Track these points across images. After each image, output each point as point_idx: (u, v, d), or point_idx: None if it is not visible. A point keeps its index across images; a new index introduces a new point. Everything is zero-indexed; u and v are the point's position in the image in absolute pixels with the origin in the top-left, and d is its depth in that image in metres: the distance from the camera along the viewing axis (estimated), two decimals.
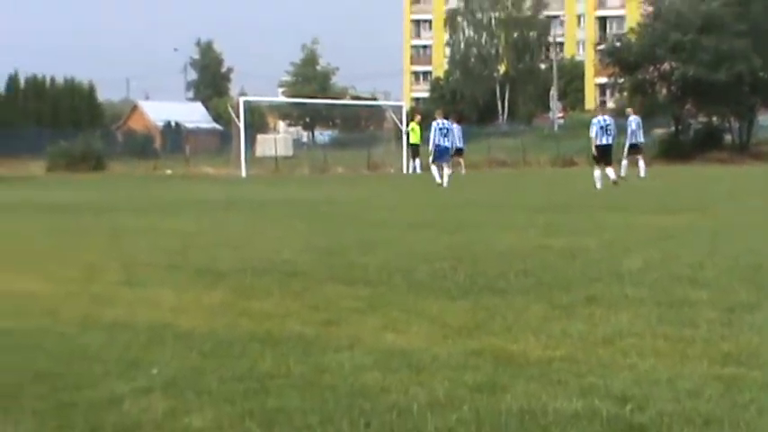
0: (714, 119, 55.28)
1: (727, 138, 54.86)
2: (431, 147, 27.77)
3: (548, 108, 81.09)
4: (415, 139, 37.17)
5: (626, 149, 30.37)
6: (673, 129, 54.57)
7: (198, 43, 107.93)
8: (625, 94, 56.95)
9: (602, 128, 24.63)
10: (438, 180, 26.51)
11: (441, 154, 27.45)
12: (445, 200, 19.99)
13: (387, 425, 3.82)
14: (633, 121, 31.31)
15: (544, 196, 20.33)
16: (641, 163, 30.69)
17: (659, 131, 57.27)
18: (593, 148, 24.54)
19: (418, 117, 39.70)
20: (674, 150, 50.94)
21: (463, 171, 33.71)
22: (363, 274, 8.24)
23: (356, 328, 5.86)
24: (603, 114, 26.15)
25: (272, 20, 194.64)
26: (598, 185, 23.17)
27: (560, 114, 78.88)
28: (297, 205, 19.47)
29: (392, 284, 7.66)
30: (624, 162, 30.00)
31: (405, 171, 41.47)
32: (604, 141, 24.59)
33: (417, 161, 37.26)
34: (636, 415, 3.90)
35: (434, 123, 28.27)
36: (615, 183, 23.71)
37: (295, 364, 4.90)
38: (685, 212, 15.30)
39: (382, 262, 9.11)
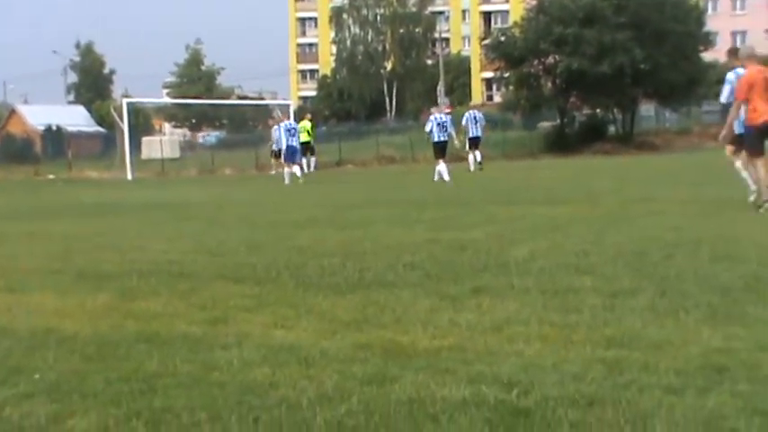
0: (598, 111, 56.39)
1: (612, 129, 56.03)
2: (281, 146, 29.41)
3: (435, 104, 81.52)
4: (306, 137, 37.16)
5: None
6: (558, 122, 55.51)
7: (78, 45, 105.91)
8: (511, 87, 57.70)
9: (438, 124, 26.42)
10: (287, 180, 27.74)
11: (291, 154, 28.79)
12: (334, 199, 19.99)
13: (276, 420, 3.80)
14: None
15: (432, 192, 20.46)
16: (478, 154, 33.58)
17: (545, 124, 58.27)
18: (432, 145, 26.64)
19: (308, 115, 39.88)
20: (560, 143, 51.86)
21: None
22: (251, 273, 8.20)
23: (244, 326, 5.82)
24: (440, 112, 27.98)
25: (154, 20, 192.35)
26: (446, 177, 24.50)
27: (448, 110, 79.54)
28: (184, 207, 19.26)
29: (280, 282, 7.64)
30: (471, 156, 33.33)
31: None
32: (441, 138, 26.43)
33: (312, 159, 37.42)
34: (522, 399, 3.95)
35: (282, 125, 30.07)
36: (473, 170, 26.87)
37: (182, 362, 4.84)
38: (571, 203, 15.57)
39: (270, 260, 9.06)
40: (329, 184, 28.90)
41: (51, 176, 43.54)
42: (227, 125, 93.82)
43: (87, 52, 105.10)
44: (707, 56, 57.22)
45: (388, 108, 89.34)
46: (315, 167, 37.23)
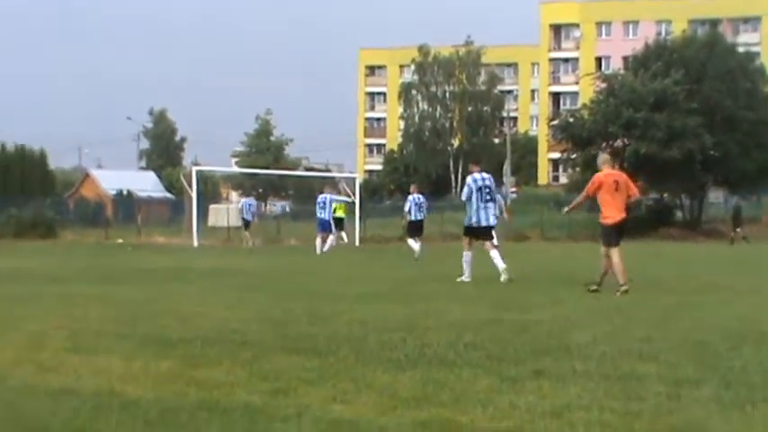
0: (665, 195, 56.01)
1: (678, 215, 55.58)
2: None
3: (501, 183, 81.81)
4: (341, 213, 38.31)
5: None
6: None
7: (151, 112, 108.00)
8: (578, 169, 57.62)
9: (415, 204, 27.55)
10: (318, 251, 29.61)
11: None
12: (397, 273, 20.02)
13: None
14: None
15: (497, 270, 20.36)
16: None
17: None
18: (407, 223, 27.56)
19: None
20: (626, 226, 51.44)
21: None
22: (313, 345, 8.22)
23: (304, 398, 5.83)
24: (417, 193, 28.45)
25: (227, 91, 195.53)
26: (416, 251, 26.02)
27: (513, 189, 79.58)
28: (248, 276, 19.40)
29: (341, 355, 7.65)
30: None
31: (357, 244, 41.67)
32: (418, 217, 27.68)
33: (343, 234, 38.28)
34: None
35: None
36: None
37: None
38: (636, 287, 15.43)
39: (332, 332, 9.09)
40: (392, 258, 28.93)
41: (120, 240, 44.14)
42: (293, 195, 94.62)
43: (160, 119, 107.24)
44: None
45: (453, 185, 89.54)
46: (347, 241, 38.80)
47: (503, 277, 16.98)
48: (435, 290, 15.04)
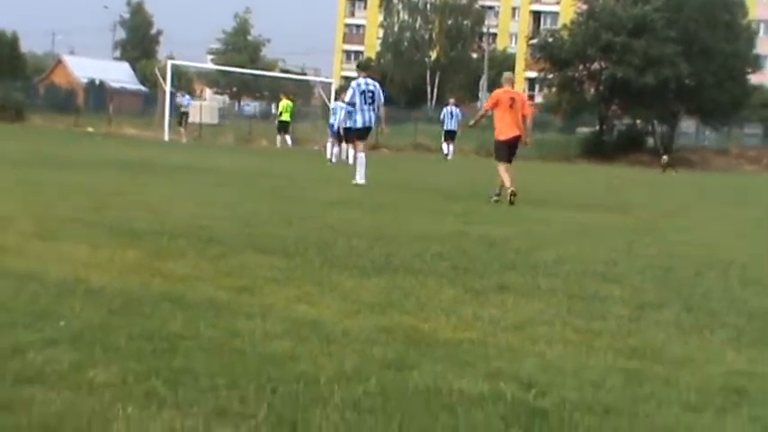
0: (638, 121, 56.12)
1: (650, 141, 55.75)
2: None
3: (476, 97, 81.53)
4: (286, 117, 38.95)
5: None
6: (597, 128, 55.29)
7: (128, 2, 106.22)
8: (553, 89, 57.55)
9: (450, 114, 28.25)
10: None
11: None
12: (369, 181, 19.99)
13: (293, 393, 3.81)
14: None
15: (465, 184, 20.45)
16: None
17: (584, 130, 58.06)
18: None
19: (285, 95, 41.69)
20: (597, 149, 51.65)
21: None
22: (280, 246, 8.22)
23: (269, 297, 5.84)
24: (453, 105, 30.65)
25: None
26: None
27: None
28: (218, 174, 19.32)
29: (308, 257, 7.65)
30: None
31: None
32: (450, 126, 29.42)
33: (288, 137, 39.54)
34: (539, 400, 3.94)
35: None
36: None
37: (205, 327, 4.87)
38: (605, 211, 15.53)
39: (300, 235, 9.09)
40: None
41: (90, 129, 43.79)
42: (268, 97, 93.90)
43: (137, 10, 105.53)
44: (754, 78, 56.82)
45: (428, 97, 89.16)
46: (292, 144, 39.48)
47: (355, 181, 18.20)
48: (404, 199, 15.06)
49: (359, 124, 18.91)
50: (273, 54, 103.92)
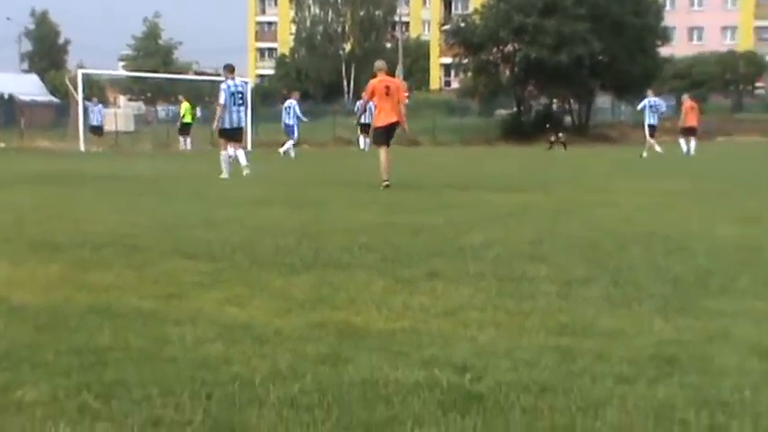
0: (555, 101, 56.70)
1: (567, 120, 56.37)
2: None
3: None
4: (188, 119, 39.04)
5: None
6: (515, 110, 55.73)
7: (32, 13, 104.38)
8: (469, 74, 57.87)
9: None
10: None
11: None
12: (290, 178, 19.96)
13: (229, 396, 3.79)
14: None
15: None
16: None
17: (502, 112, 58.50)
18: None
19: (183, 97, 41.56)
20: (516, 131, 52.09)
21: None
22: (206, 249, 8.15)
23: (198, 302, 5.78)
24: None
25: None
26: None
27: (405, 94, 79.44)
28: (138, 181, 19.10)
29: (235, 259, 7.60)
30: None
31: (248, 148, 41.36)
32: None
33: (188, 139, 39.99)
34: (474, 384, 3.96)
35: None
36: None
37: (134, 336, 4.80)
38: (526, 192, 15.65)
39: (226, 237, 9.03)
40: (284, 163, 28.81)
41: (2, 145, 42.98)
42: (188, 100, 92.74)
43: (42, 20, 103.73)
44: (663, 51, 57.71)
45: (345, 90, 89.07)
46: (191, 147, 39.75)
47: (245, 172, 19.29)
48: (328, 194, 15.03)
49: (227, 125, 19.66)
50: (186, 57, 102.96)
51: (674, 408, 3.65)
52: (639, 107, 34.50)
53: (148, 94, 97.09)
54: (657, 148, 31.78)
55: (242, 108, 19.78)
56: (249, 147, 41.77)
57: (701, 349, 4.57)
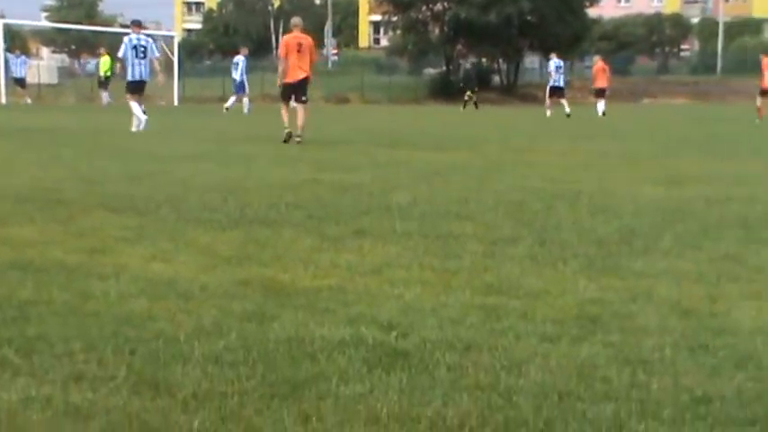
0: (484, 60, 56.82)
1: (496, 79, 56.56)
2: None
3: (322, 44, 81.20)
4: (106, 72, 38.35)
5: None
6: (444, 69, 55.76)
7: None
8: (398, 32, 57.71)
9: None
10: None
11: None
12: (218, 134, 19.79)
13: (153, 352, 3.75)
14: None
15: (317, 132, 20.39)
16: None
17: (431, 71, 58.49)
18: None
19: (104, 50, 40.46)
20: (444, 90, 52.16)
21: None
22: (131, 204, 8.06)
23: (123, 257, 5.72)
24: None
25: None
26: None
27: (334, 51, 79.16)
28: (61, 134, 18.80)
29: (161, 215, 7.52)
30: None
31: (176, 104, 40.91)
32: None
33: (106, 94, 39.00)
34: (400, 341, 3.97)
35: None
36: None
37: (57, 291, 4.74)
38: (455, 150, 15.70)
39: (151, 192, 8.93)
40: (212, 118, 28.55)
41: None
42: (109, 54, 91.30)
43: None
44: (592, 12, 58.06)
45: (274, 45, 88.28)
46: (108, 101, 38.77)
47: (142, 126, 19.61)
48: (255, 151, 14.94)
49: (130, 77, 20.01)
50: (111, 9, 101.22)
51: (596, 366, 3.69)
52: (549, 70, 34.85)
53: (72, 47, 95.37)
54: (548, 113, 32.35)
55: (143, 62, 19.92)
56: (176, 102, 41.42)
57: (623, 308, 4.63)
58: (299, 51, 17.16)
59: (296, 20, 18.03)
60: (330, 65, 70.59)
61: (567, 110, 32.08)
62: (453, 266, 5.60)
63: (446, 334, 4.09)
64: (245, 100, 32.47)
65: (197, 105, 42.58)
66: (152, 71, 20.31)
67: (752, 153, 15.65)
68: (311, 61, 17.49)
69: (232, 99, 32.81)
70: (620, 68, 66.89)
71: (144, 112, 20.09)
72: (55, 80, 57.22)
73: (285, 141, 16.76)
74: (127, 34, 20.68)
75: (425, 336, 4.05)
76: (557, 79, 33.56)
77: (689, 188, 10.14)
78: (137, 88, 20.17)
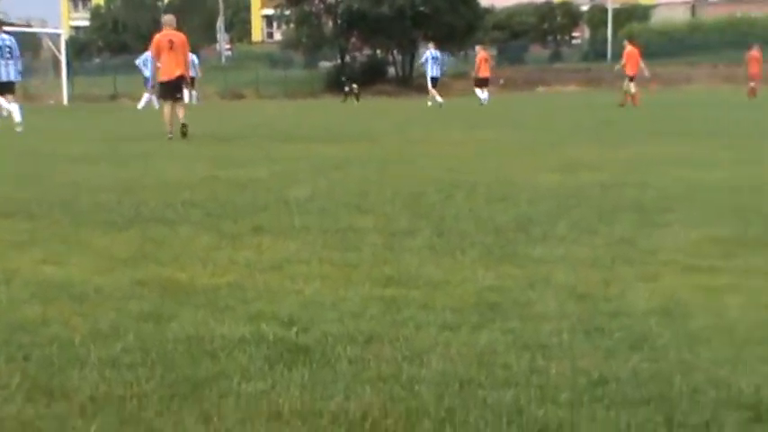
0: (378, 52, 56.91)
1: (392, 71, 56.69)
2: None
3: (214, 40, 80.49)
4: None
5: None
6: (339, 62, 55.74)
7: None
8: (292, 25, 57.49)
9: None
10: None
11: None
12: (110, 133, 19.49)
13: (48, 357, 3.67)
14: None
15: (214, 128, 20.23)
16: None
17: (326, 64, 58.41)
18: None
19: None
20: (340, 83, 52.04)
21: None
22: (21, 207, 7.88)
23: (13, 262, 5.58)
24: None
25: None
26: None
27: (227, 46, 78.55)
28: None
29: (52, 217, 7.37)
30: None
31: (65, 103, 40.19)
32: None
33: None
34: (301, 337, 3.95)
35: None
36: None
37: None
38: (351, 143, 15.70)
39: (41, 195, 8.75)
40: (104, 117, 28.10)
41: None
42: None
43: None
44: (484, 2, 58.57)
45: None
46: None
47: (18, 129, 19.17)
48: (149, 149, 14.74)
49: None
50: None
51: (496, 353, 3.72)
52: (422, 60, 35.35)
53: None
54: (438, 99, 32.72)
55: (10, 62, 19.79)
56: (65, 101, 40.68)
57: (521, 295, 4.68)
58: (170, 49, 17.24)
59: (167, 17, 18.21)
60: (224, 60, 70.01)
61: (439, 99, 32.50)
62: (353, 260, 5.60)
63: (347, 327, 4.09)
64: (147, 96, 32.47)
65: (87, 104, 41.85)
66: (18, 71, 20.18)
67: (644, 139, 15.95)
68: (184, 54, 17.65)
69: (146, 96, 32.61)
70: (513, 57, 67.85)
71: (19, 114, 19.74)
72: None
73: (184, 135, 17.00)
74: (24, 33, 20.60)
75: (326, 330, 4.04)
76: (434, 70, 34.09)
77: (584, 175, 10.29)
78: (5, 88, 19.89)
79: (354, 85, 43.82)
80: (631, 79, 30.24)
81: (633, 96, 29.69)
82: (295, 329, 4.05)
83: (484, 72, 34.60)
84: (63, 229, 6.81)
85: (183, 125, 17.05)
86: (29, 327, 4.14)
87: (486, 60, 34.92)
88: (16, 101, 20.09)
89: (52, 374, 3.48)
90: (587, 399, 3.18)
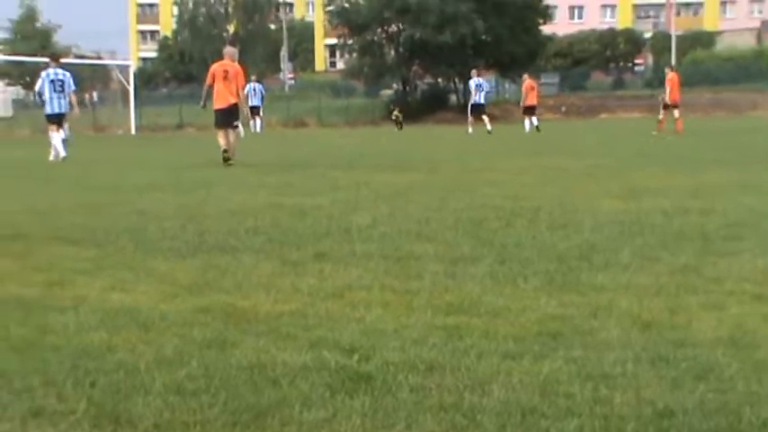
0: (440, 80, 57.04)
1: (453, 99, 56.77)
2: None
3: (278, 69, 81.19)
4: None
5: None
6: (395, 90, 55.97)
7: None
8: (354, 55, 57.84)
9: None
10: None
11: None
12: (175, 162, 19.72)
13: (114, 383, 3.71)
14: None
15: (277, 156, 20.40)
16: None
17: (387, 92, 58.64)
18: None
19: None
20: (390, 112, 52.29)
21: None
22: (89, 235, 7.99)
23: (81, 289, 5.66)
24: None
25: None
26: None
27: (291, 75, 79.19)
28: (16, 167, 18.64)
29: (119, 245, 7.47)
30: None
31: (133, 132, 40.75)
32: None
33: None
34: (362, 364, 3.95)
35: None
36: None
37: (15, 326, 4.68)
38: (414, 171, 15.72)
39: (109, 223, 8.87)
40: (169, 146, 28.43)
41: None
42: None
43: None
44: (546, 29, 58.51)
45: None
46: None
47: (61, 157, 20.01)
48: (213, 177, 14.88)
49: (49, 110, 20.57)
50: (66, 40, 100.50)
51: (559, 382, 3.69)
52: (471, 88, 35.29)
53: (27, 78, 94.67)
54: (470, 129, 32.78)
55: (62, 95, 20.61)
56: (133, 130, 41.22)
57: (584, 324, 4.65)
58: (225, 78, 17.69)
59: (229, 50, 18.81)
60: (287, 89, 70.59)
61: (489, 127, 32.49)
62: (414, 287, 5.60)
63: (408, 355, 4.08)
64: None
65: (153, 133, 42.40)
66: (70, 104, 21.00)
67: (708, 165, 15.78)
68: (238, 85, 18.00)
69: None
70: (575, 84, 67.63)
71: (64, 141, 20.49)
72: (10, 113, 56.77)
73: (225, 161, 17.39)
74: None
75: (388, 358, 4.04)
76: (477, 97, 34.04)
77: (647, 201, 10.20)
78: (55, 120, 20.58)
79: (397, 113, 44.02)
80: (674, 106, 30.12)
81: (659, 122, 29.61)
82: (356, 357, 4.05)
83: (531, 100, 34.71)
84: (129, 257, 6.89)
85: (226, 152, 17.48)
86: (95, 353, 4.19)
87: (532, 88, 35.06)
88: (65, 131, 20.79)
89: (118, 401, 3.52)
90: (653, 430, 3.15)
